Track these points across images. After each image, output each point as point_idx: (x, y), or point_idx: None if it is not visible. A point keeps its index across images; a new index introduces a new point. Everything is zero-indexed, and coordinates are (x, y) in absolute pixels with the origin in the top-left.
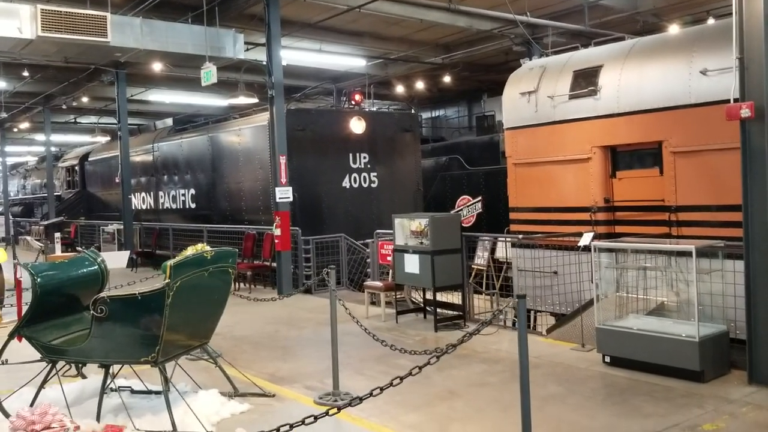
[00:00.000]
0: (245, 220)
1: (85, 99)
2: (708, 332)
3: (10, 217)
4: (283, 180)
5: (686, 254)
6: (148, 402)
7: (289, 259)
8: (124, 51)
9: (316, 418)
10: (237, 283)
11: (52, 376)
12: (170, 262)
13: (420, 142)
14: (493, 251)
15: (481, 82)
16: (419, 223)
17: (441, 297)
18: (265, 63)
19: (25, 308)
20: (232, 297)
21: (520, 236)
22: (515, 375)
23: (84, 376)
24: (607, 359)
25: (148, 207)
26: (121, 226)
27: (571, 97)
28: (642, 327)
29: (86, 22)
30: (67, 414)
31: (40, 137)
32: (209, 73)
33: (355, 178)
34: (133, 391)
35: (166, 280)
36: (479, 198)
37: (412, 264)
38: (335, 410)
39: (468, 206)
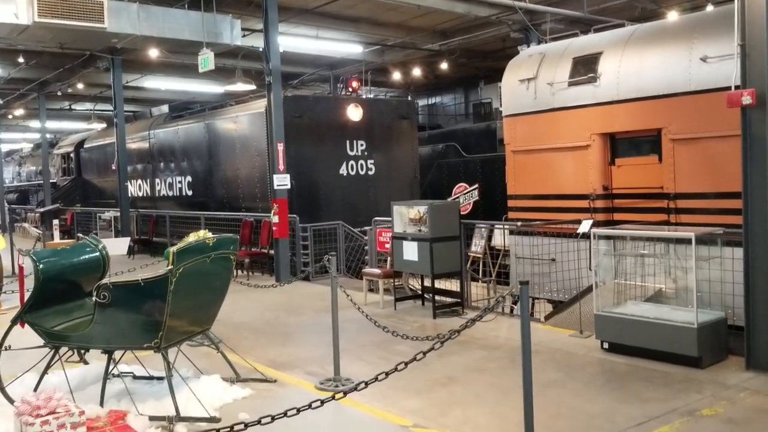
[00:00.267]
0: (242, 207)
1: (80, 85)
2: (706, 319)
3: (5, 204)
4: (281, 167)
5: (685, 241)
6: (150, 387)
7: (287, 247)
8: (120, 37)
9: (322, 402)
10: (234, 271)
11: (55, 362)
12: (173, 249)
13: (417, 129)
14: (489, 239)
15: (478, 69)
16: (418, 210)
17: (439, 284)
18: (262, 49)
19: (27, 295)
20: (231, 284)
21: (519, 223)
22: (514, 361)
23: (86, 362)
24: (606, 345)
25: (145, 194)
26: (118, 214)
27: (571, 84)
28: (640, 313)
29: (83, 7)
30: (71, 399)
31: (34, 124)
32: (206, 60)
33: (352, 165)
34: (135, 377)
35: (169, 267)
36: (476, 186)
37: (410, 251)
38: (341, 395)
39: (465, 194)
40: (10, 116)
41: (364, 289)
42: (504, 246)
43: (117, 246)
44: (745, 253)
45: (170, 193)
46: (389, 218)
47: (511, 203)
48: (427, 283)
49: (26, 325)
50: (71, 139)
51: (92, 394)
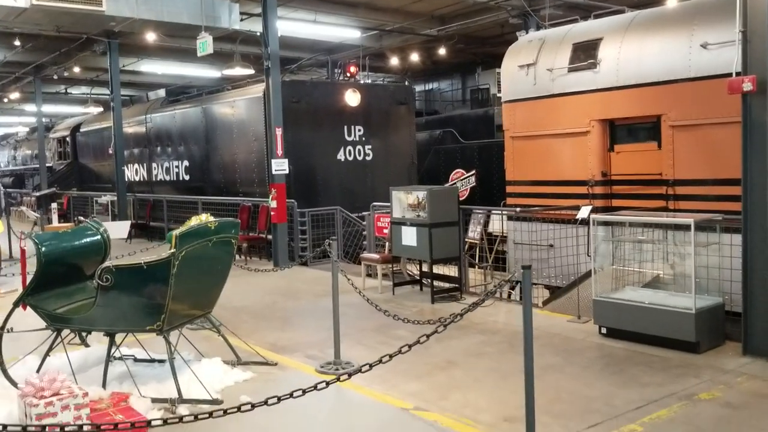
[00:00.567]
0: (240, 192)
1: (76, 69)
2: (704, 304)
3: (1, 188)
4: (279, 152)
5: (684, 227)
6: (151, 370)
7: (285, 231)
8: (118, 20)
9: (328, 383)
10: None
11: (57, 344)
12: (176, 232)
13: (414, 115)
14: (486, 225)
15: (475, 54)
16: (417, 196)
17: (437, 269)
18: (260, 34)
19: (29, 278)
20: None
21: (517, 209)
22: (512, 345)
23: (87, 345)
24: (604, 330)
25: (141, 179)
26: (115, 198)
27: (570, 70)
28: (638, 299)
29: None
30: (74, 381)
31: (30, 108)
32: (205, 44)
33: (349, 150)
34: (136, 360)
35: (172, 250)
36: (473, 172)
37: (409, 236)
38: (346, 376)
39: (462, 180)
40: (5, 100)
41: (362, 274)
42: (502, 232)
43: (117, 229)
44: (744, 239)
45: (167, 178)
46: (387, 203)
47: (509, 189)
48: (426, 268)
49: (28, 308)
50: (67, 123)
51: (94, 376)
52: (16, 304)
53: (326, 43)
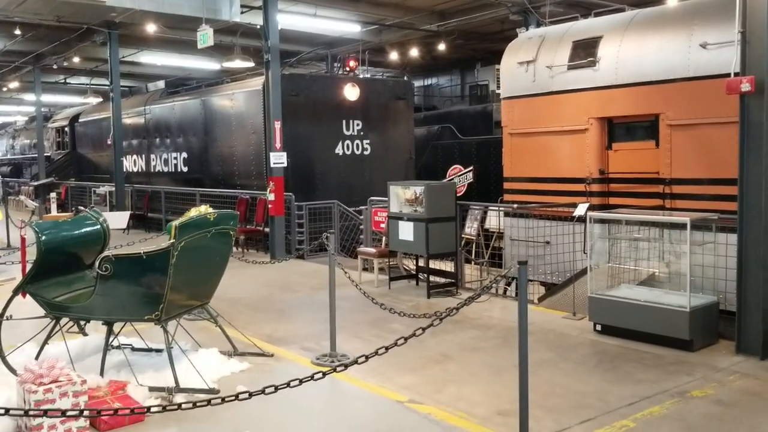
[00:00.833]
0: (237, 184)
1: (76, 59)
2: (698, 303)
3: None
4: (278, 145)
5: (680, 226)
6: (149, 359)
7: (283, 224)
8: (119, 11)
9: (324, 374)
10: None
11: (55, 332)
12: (175, 223)
13: (413, 110)
14: (483, 221)
15: (475, 50)
16: (414, 191)
17: (433, 265)
18: (261, 27)
19: (28, 266)
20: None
21: (515, 206)
22: (507, 341)
23: (85, 334)
24: (599, 327)
25: (140, 170)
26: (113, 188)
27: (570, 67)
28: (633, 296)
29: None
30: (72, 369)
31: (29, 97)
32: (205, 36)
33: (348, 144)
34: (133, 349)
35: (171, 240)
36: (471, 168)
37: (406, 231)
38: (342, 367)
39: (459, 176)
40: (4, 89)
41: (358, 268)
42: (498, 228)
43: (117, 220)
44: (739, 239)
45: (165, 169)
46: (385, 198)
47: (507, 185)
48: (422, 263)
49: (27, 296)
50: (66, 113)
51: (92, 365)
52: (15, 292)
53: (326, 36)
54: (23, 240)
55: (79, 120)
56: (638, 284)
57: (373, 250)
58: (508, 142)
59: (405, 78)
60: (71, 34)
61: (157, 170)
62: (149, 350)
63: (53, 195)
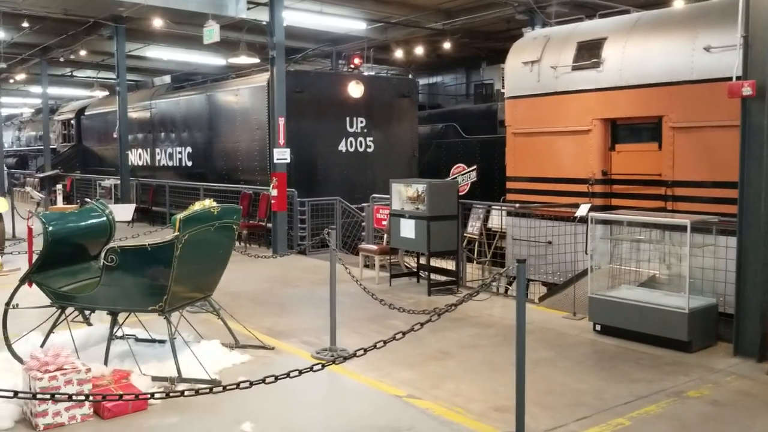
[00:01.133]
0: (241, 179)
1: (82, 52)
2: (697, 305)
3: (5, 168)
4: (282, 141)
5: (681, 228)
6: (152, 350)
7: (285, 220)
8: (126, 5)
9: (323, 365)
10: None
11: (61, 322)
12: (180, 216)
13: (417, 108)
14: (486, 220)
15: (480, 49)
16: (416, 189)
17: (434, 263)
18: (266, 23)
19: (35, 256)
20: None
21: (517, 205)
22: (506, 339)
23: (90, 324)
24: (598, 327)
25: (144, 164)
26: (118, 182)
27: (574, 68)
28: (633, 297)
29: None
30: (77, 358)
31: (35, 89)
32: (211, 32)
33: (351, 142)
34: (137, 340)
35: (176, 233)
36: (474, 167)
37: (408, 229)
38: (341, 359)
39: (463, 174)
40: (11, 81)
41: (359, 265)
42: (501, 228)
43: (122, 212)
44: (739, 241)
45: (170, 164)
46: (387, 195)
47: (509, 185)
48: (423, 261)
49: (33, 286)
50: (72, 106)
51: (96, 354)
52: (22, 281)
53: (331, 33)
54: (30, 230)
55: (85, 113)
56: (639, 285)
57: (374, 247)
58: (511, 141)
59: (410, 76)
60: (78, 28)
61: (161, 164)
62: (152, 341)
63: (59, 187)
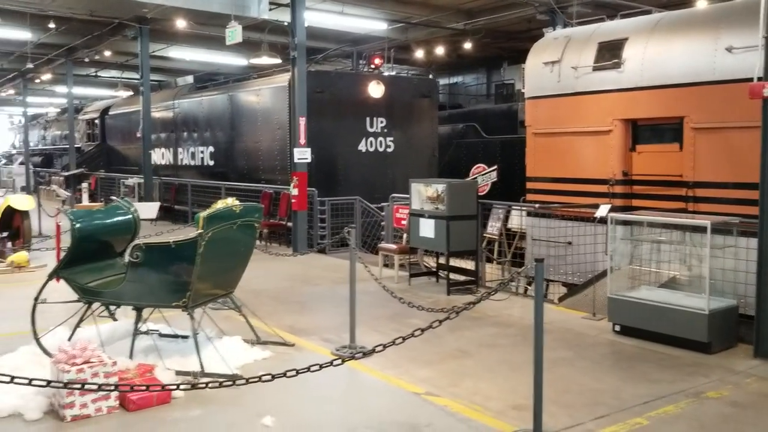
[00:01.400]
0: (262, 179)
1: (107, 53)
2: (718, 306)
3: (31, 166)
4: (302, 141)
5: (701, 229)
6: (175, 345)
7: (305, 219)
8: (150, 6)
9: (343, 360)
10: None
11: (88, 316)
12: (203, 214)
13: (437, 108)
14: (506, 221)
15: (501, 49)
16: (436, 189)
17: (454, 262)
18: (288, 24)
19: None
20: None
21: (537, 205)
22: (525, 338)
23: (115, 319)
24: (617, 328)
25: (167, 163)
26: (141, 181)
27: (595, 68)
28: (653, 298)
29: None
30: (103, 352)
31: (60, 89)
32: (234, 32)
33: (371, 141)
34: (161, 335)
35: (199, 231)
36: (495, 167)
37: (427, 228)
38: (360, 355)
39: (483, 175)
40: (37, 81)
41: (379, 264)
42: (521, 228)
43: (147, 210)
44: (760, 243)
45: (192, 163)
46: (407, 195)
47: (529, 185)
48: (442, 260)
49: (60, 281)
50: (96, 106)
51: (121, 348)
52: (50, 277)
53: (352, 34)
54: (58, 227)
55: (109, 113)
56: (659, 286)
57: (394, 246)
58: (531, 141)
59: (430, 76)
60: (103, 29)
61: (184, 163)
62: (176, 336)
63: (84, 185)
